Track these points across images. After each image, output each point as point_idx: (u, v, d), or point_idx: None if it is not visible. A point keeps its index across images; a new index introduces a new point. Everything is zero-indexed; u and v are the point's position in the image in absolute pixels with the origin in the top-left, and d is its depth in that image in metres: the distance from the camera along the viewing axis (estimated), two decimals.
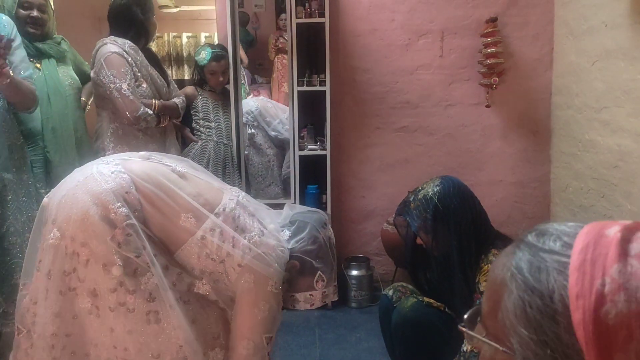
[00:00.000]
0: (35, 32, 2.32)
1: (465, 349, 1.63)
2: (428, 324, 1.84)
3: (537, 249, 0.58)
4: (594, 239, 0.55)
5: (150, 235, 1.44)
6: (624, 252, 0.52)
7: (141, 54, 2.44)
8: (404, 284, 2.06)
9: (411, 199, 1.81)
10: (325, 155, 3.06)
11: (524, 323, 0.55)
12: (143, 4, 2.46)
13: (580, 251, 0.54)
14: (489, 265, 1.67)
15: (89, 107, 2.59)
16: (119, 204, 1.38)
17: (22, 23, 2.27)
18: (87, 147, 2.46)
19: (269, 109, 3.43)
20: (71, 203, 1.41)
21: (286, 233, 1.64)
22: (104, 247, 1.39)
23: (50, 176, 2.26)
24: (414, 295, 1.96)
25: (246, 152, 3.17)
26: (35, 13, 2.30)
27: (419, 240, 1.85)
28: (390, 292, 2.03)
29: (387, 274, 3.20)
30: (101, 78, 2.33)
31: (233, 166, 3.02)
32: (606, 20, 2.44)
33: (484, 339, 0.61)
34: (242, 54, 3.25)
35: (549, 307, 0.53)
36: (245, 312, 1.49)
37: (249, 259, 1.46)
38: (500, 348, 0.58)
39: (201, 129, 3.01)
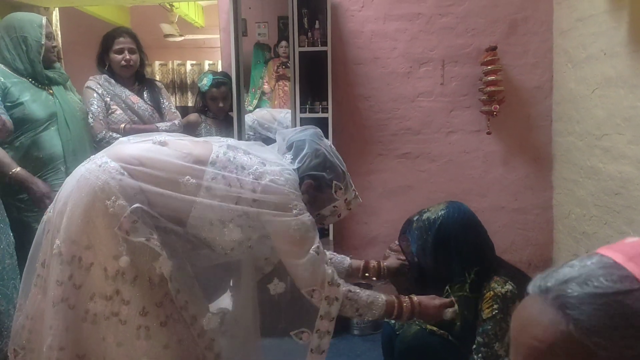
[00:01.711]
0: (56, 60, 2.49)
1: None
2: (431, 352, 1.82)
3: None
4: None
5: (157, 215, 1.43)
6: None
7: (115, 84, 2.66)
8: None
9: (415, 219, 1.80)
10: None
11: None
12: (103, 42, 2.70)
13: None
14: (491, 292, 1.66)
15: None
16: (114, 197, 1.38)
17: (47, 52, 2.40)
18: None
19: (265, 115, 3.42)
20: (71, 209, 1.42)
21: (287, 157, 1.61)
22: (111, 241, 1.39)
23: None
24: (417, 322, 1.95)
25: None
26: (54, 43, 2.47)
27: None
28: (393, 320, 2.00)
29: None
30: None
31: None
32: (605, 48, 2.47)
33: None
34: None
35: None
36: (283, 241, 1.49)
37: (260, 192, 1.45)
38: None
39: None
